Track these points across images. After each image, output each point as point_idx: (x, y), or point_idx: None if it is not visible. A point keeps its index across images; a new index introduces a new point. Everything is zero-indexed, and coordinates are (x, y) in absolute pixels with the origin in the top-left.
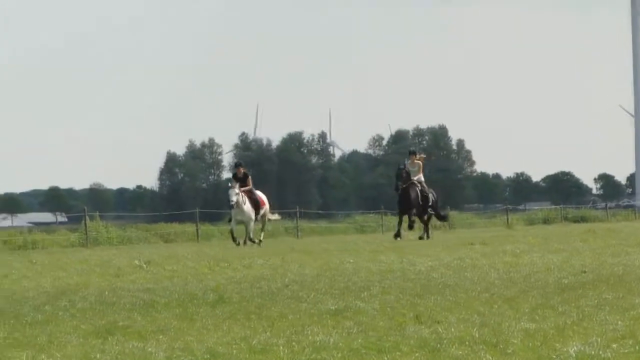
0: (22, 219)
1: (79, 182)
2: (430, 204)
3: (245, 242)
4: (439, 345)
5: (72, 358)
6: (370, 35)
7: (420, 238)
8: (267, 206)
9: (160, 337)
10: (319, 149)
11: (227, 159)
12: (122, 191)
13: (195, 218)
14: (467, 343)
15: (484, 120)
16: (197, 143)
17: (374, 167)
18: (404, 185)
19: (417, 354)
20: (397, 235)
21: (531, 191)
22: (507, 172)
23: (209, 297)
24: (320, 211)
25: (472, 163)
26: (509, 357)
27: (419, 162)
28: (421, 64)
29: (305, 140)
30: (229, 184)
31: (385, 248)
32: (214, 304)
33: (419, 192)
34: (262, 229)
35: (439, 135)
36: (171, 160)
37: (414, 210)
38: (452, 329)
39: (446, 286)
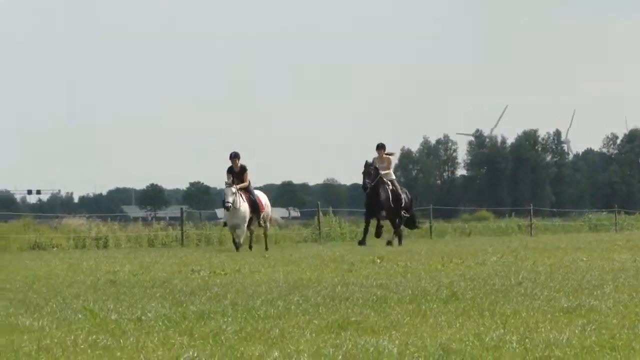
0: None
1: (313, 178)
2: (402, 205)
3: (250, 245)
4: None
5: (304, 353)
6: (606, 36)
7: (389, 243)
8: (267, 210)
9: (393, 332)
10: (554, 147)
11: (462, 155)
12: (355, 187)
13: (429, 215)
14: None
15: None
16: (432, 140)
17: (608, 165)
18: (372, 184)
19: None
20: (363, 242)
21: None
22: None
23: (442, 294)
24: (553, 209)
25: None
26: None
27: (389, 157)
28: None
29: (540, 138)
30: (225, 182)
31: (618, 247)
32: (446, 300)
33: (389, 191)
34: (265, 234)
35: None
36: (406, 156)
37: (384, 213)
38: None
39: None
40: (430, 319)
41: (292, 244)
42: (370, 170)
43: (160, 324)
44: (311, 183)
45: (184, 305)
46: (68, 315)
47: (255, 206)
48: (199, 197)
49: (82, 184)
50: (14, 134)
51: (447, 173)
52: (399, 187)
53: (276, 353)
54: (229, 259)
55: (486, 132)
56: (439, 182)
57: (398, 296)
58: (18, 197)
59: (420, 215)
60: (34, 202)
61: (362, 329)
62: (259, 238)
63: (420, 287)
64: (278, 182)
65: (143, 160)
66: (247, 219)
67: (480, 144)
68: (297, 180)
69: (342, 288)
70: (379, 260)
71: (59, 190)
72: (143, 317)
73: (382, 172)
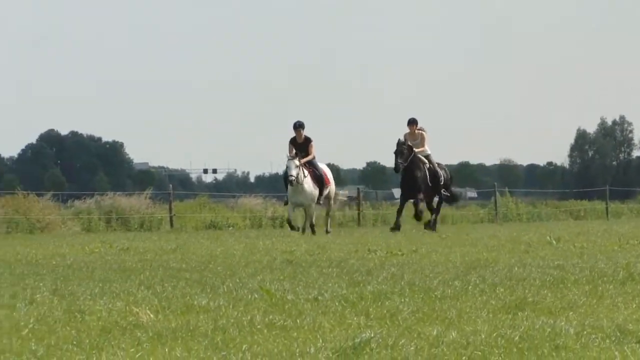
0: None
1: (490, 158)
2: (442, 183)
3: (303, 230)
4: None
5: (481, 333)
6: None
7: (427, 225)
8: (332, 185)
9: (570, 313)
10: None
11: (638, 136)
12: (532, 167)
13: (605, 196)
14: None
15: None
16: (609, 120)
17: None
18: (406, 164)
19: None
20: (396, 227)
21: None
22: None
23: (618, 275)
24: None
25: None
26: None
27: (422, 132)
28: None
29: None
30: (287, 155)
31: None
32: (623, 282)
33: (426, 170)
34: (328, 214)
35: None
36: (581, 137)
37: (421, 195)
38: None
39: None
40: (607, 300)
41: (469, 224)
42: (403, 150)
43: (337, 304)
44: (488, 163)
45: (361, 285)
46: (244, 295)
47: (320, 181)
48: (376, 177)
49: (258, 164)
50: (191, 113)
51: (623, 154)
52: (436, 163)
53: (453, 333)
54: (406, 239)
55: None
56: (615, 163)
57: (575, 277)
58: (194, 176)
59: (597, 197)
60: (210, 181)
61: (539, 309)
62: (319, 218)
63: (596, 268)
64: (455, 162)
65: (319, 140)
66: (315, 197)
67: None
68: (473, 160)
69: (519, 269)
70: (555, 242)
71: (235, 170)
72: (320, 297)
73: (416, 150)
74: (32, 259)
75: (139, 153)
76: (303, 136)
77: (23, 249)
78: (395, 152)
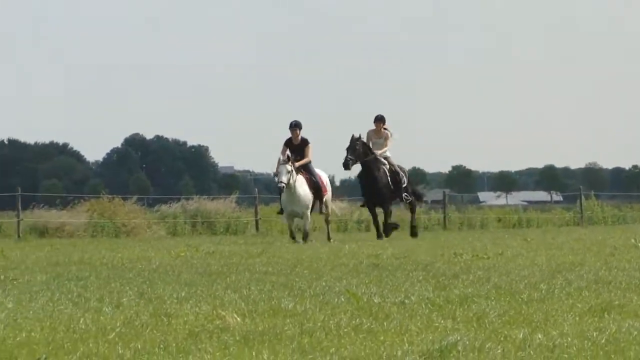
0: (517, 197)
1: (575, 161)
2: (404, 186)
3: (304, 240)
4: None
5: (568, 336)
6: None
7: (388, 228)
8: (329, 193)
9: None
10: None
11: None
12: (617, 171)
13: None
14: None
15: None
16: None
17: None
18: (357, 161)
19: None
20: (381, 234)
21: None
22: None
23: None
24: None
25: None
26: None
27: (388, 131)
28: None
29: None
30: (281, 157)
31: None
32: None
33: (387, 172)
34: (327, 221)
35: None
36: None
37: (387, 199)
38: None
39: None
40: None
41: (554, 227)
42: (356, 146)
43: (424, 307)
44: (573, 167)
45: (447, 288)
46: (330, 299)
47: (317, 188)
48: (461, 180)
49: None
50: (274, 116)
51: None
52: (396, 165)
53: (540, 336)
54: (492, 243)
55: None
56: None
57: None
58: None
59: None
60: None
61: (625, 312)
62: (318, 225)
63: None
64: (540, 165)
65: (406, 145)
66: (310, 204)
67: None
68: (559, 164)
69: (604, 272)
70: None
71: None
72: (406, 301)
73: (378, 151)
74: (118, 263)
75: (224, 157)
76: (300, 137)
77: (109, 253)
78: (347, 148)
